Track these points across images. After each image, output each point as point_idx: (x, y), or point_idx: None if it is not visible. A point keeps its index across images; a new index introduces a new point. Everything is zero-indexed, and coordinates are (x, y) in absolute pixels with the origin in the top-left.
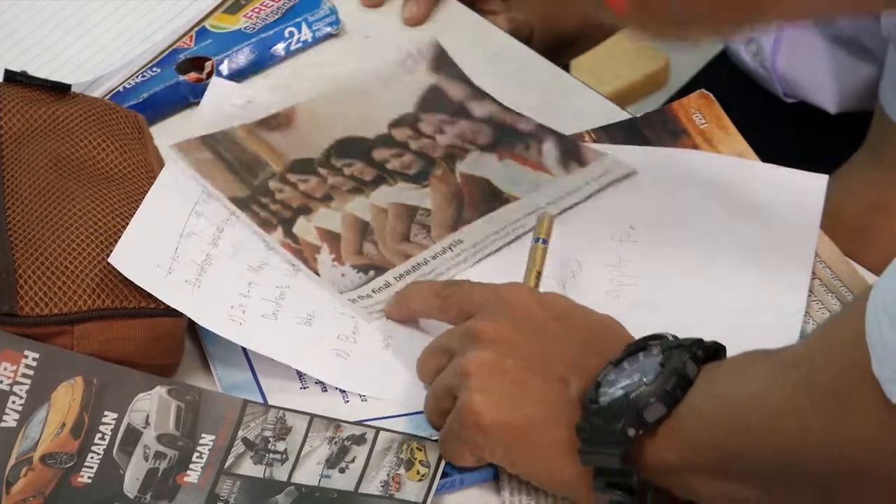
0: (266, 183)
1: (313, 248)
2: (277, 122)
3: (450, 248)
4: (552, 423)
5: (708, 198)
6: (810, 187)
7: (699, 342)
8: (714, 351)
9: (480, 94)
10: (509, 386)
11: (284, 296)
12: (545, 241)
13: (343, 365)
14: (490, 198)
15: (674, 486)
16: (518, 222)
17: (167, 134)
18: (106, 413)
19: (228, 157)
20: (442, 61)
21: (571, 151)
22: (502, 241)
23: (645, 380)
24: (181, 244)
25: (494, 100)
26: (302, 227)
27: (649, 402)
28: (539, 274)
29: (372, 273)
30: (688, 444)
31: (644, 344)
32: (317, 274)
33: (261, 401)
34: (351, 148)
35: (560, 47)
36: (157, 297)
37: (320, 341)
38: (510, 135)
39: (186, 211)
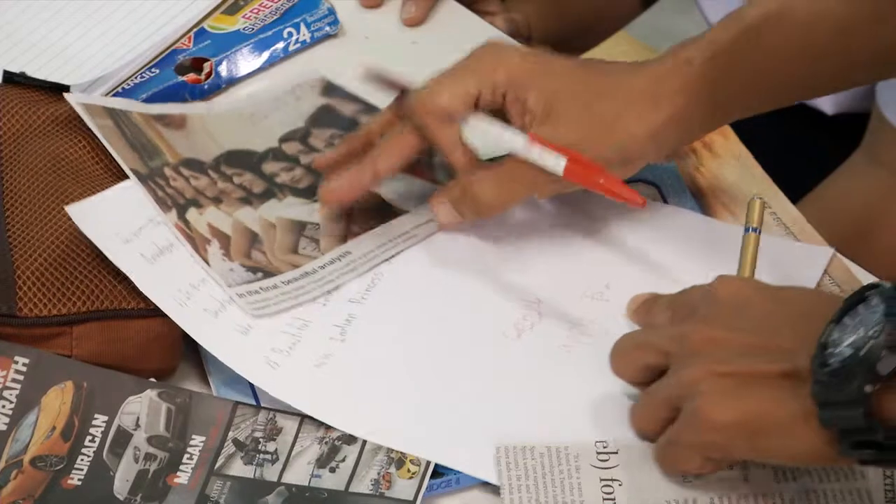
0: (161, 168)
1: (204, 238)
2: (171, 120)
3: (339, 259)
4: (788, 400)
5: (695, 259)
6: (813, 258)
7: None
8: None
9: (372, 110)
10: (739, 382)
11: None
12: (756, 230)
13: (272, 374)
14: (379, 211)
15: None
16: (407, 234)
17: None
18: (96, 416)
19: (128, 133)
20: (331, 89)
21: None
22: (391, 252)
23: (871, 332)
24: (147, 226)
25: None
26: (194, 216)
27: (881, 355)
28: (754, 263)
29: (260, 275)
30: None
31: (862, 296)
32: (207, 263)
33: (254, 402)
34: (240, 159)
35: (557, 48)
36: (108, 255)
37: (255, 349)
38: None
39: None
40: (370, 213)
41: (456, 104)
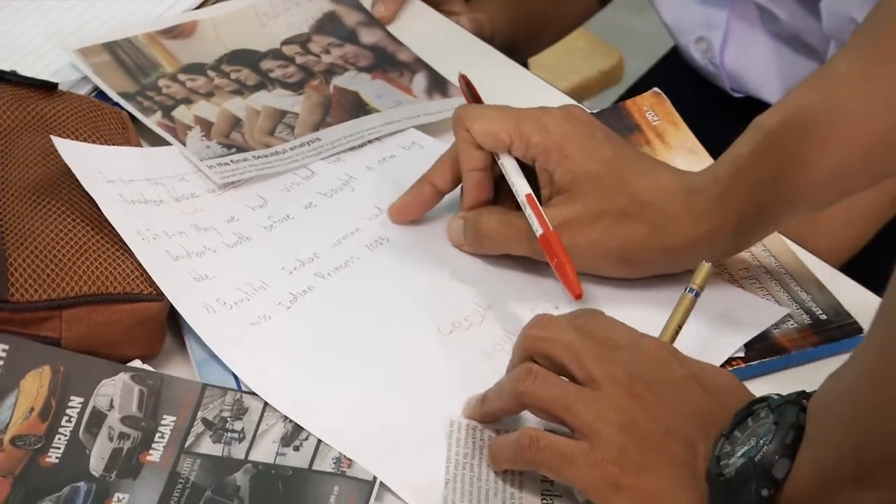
0: (156, 81)
1: (186, 126)
2: (179, 31)
3: (308, 144)
4: (682, 492)
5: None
6: (766, 312)
7: (803, 393)
8: None
9: (372, 22)
10: (646, 446)
11: (203, 254)
12: (697, 294)
13: (207, 318)
14: (355, 108)
15: None
16: (374, 129)
17: (147, 129)
18: (72, 398)
19: (125, 59)
20: None
21: (439, 85)
22: (356, 143)
23: (763, 440)
24: (140, 182)
25: (385, 30)
26: (181, 112)
27: (774, 459)
28: (679, 328)
29: (234, 150)
30: (815, 475)
31: (750, 410)
32: (183, 144)
33: (234, 385)
34: (242, 58)
35: (519, 46)
36: (89, 190)
37: (201, 294)
38: (389, 61)
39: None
40: (347, 108)
41: (488, 141)
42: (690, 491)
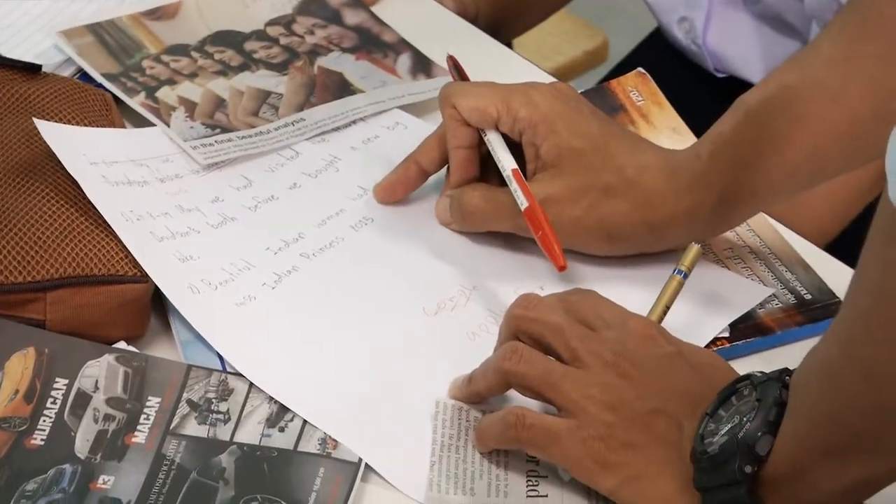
0: (140, 62)
1: (169, 107)
2: (162, 13)
3: (292, 124)
4: (668, 470)
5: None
6: (751, 292)
7: (786, 370)
8: None
9: (356, 4)
10: (631, 424)
11: (187, 235)
12: (685, 275)
13: (192, 298)
14: (340, 88)
15: (803, 500)
16: (358, 109)
17: (131, 110)
18: (57, 379)
19: (109, 40)
20: None
21: (423, 65)
22: (341, 123)
23: (746, 419)
24: (125, 164)
25: (369, 11)
26: (164, 93)
27: (757, 436)
28: (667, 308)
29: (218, 130)
30: (796, 448)
31: (733, 389)
32: (167, 125)
33: (219, 366)
34: (226, 38)
35: (503, 26)
36: (72, 173)
37: (185, 275)
38: (373, 42)
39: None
40: (331, 89)
41: (475, 116)
42: (676, 469)
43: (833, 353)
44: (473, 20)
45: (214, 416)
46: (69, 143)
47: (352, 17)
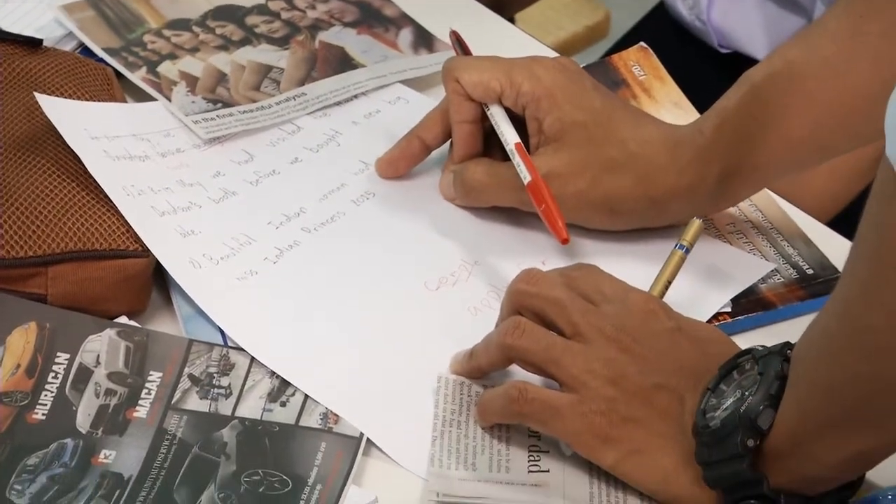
0: (141, 36)
1: (171, 82)
2: None
3: (293, 98)
4: (669, 445)
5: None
6: (753, 267)
7: (787, 344)
8: None
9: None
10: (633, 398)
11: (189, 210)
12: (687, 250)
13: (193, 272)
14: (341, 63)
15: (805, 473)
16: (360, 83)
17: (132, 85)
18: (58, 354)
19: (110, 14)
20: None
21: (425, 40)
22: (342, 97)
23: (748, 393)
24: (126, 139)
25: None
26: (166, 67)
27: (759, 409)
28: (669, 283)
29: (220, 105)
30: (797, 420)
31: (735, 363)
32: (168, 100)
33: (220, 340)
34: (227, 13)
35: (506, 1)
36: (73, 147)
37: (187, 249)
38: (375, 17)
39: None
40: (333, 63)
41: (479, 90)
42: (677, 443)
43: (831, 324)
44: None
45: (216, 390)
46: (70, 117)
47: None
